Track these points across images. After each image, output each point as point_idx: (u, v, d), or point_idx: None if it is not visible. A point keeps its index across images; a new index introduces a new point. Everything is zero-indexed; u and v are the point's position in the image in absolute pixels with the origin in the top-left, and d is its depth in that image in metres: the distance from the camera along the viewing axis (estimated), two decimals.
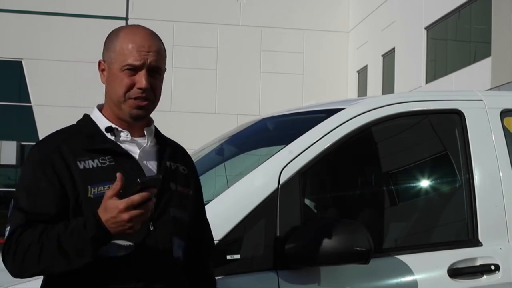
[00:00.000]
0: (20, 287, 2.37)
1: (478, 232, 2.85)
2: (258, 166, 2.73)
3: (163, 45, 2.03)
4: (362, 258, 2.46)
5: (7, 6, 23.04)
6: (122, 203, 1.71)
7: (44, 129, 22.86)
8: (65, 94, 23.03)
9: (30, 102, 23.29)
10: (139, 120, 1.99)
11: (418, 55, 19.40)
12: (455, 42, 18.36)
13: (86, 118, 2.06)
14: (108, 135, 1.98)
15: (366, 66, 23.63)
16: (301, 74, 24.81)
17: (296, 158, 2.69)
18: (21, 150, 23.57)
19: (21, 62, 23.31)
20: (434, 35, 19.04)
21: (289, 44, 24.54)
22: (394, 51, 21.19)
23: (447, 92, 5.10)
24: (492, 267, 2.80)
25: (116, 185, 1.73)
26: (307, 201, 2.96)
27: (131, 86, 1.94)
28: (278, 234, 2.56)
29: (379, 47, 22.42)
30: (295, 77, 24.63)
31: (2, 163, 22.97)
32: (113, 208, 1.72)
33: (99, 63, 2.02)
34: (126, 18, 23.98)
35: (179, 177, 2.05)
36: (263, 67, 24.48)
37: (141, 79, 1.93)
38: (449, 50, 18.65)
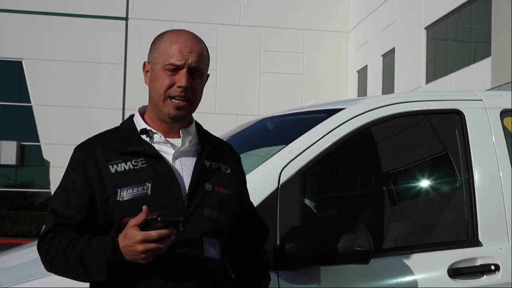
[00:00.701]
0: (20, 287, 2.37)
1: (478, 232, 2.85)
2: (258, 166, 2.73)
3: (207, 50, 2.07)
4: (362, 258, 2.46)
5: (7, 6, 23.04)
6: (140, 235, 1.78)
7: (44, 129, 22.90)
8: (65, 94, 23.03)
9: (30, 102, 23.29)
10: (178, 120, 2.02)
11: (418, 55, 19.41)
12: (455, 42, 18.37)
13: (129, 119, 2.11)
14: (144, 137, 2.02)
15: (366, 66, 23.63)
16: (301, 74, 24.81)
17: (296, 158, 2.69)
18: (21, 150, 23.57)
19: (21, 62, 23.32)
20: (434, 35, 19.04)
21: (289, 44, 24.54)
22: (394, 51, 21.19)
23: (447, 92, 5.10)
24: (492, 267, 2.80)
25: (140, 217, 1.80)
26: (307, 201, 2.96)
27: (171, 85, 1.98)
28: (278, 234, 2.56)
29: (379, 47, 22.42)
30: (295, 77, 24.64)
31: (2, 163, 22.97)
32: (131, 237, 1.80)
33: (144, 64, 2.07)
34: (126, 18, 23.99)
35: (219, 177, 2.05)
36: (263, 67, 24.49)
37: (181, 78, 1.97)
38: (449, 50, 18.65)
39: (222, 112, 23.65)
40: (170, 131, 2.04)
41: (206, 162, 2.04)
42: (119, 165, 1.96)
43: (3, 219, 21.86)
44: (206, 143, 2.08)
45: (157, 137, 2.02)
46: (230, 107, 23.71)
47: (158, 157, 1.98)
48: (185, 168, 2.01)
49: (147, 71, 2.06)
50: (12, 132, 23.22)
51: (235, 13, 24.44)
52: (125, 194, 1.92)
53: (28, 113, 23.23)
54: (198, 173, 2.00)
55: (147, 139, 2.02)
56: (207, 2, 24.11)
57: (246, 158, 3.39)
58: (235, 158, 2.18)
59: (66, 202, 1.96)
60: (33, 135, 23.20)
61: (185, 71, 1.98)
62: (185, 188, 1.97)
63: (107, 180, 1.94)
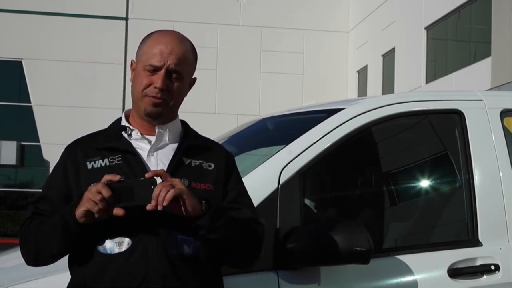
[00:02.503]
0: (20, 287, 2.37)
1: (478, 232, 2.85)
2: (258, 166, 2.73)
3: (194, 52, 2.10)
4: (362, 258, 2.46)
5: (7, 6, 23.04)
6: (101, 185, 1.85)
7: (44, 129, 22.90)
8: (65, 94, 23.04)
9: (30, 102, 23.29)
10: (154, 118, 2.04)
11: (418, 55, 19.41)
12: (455, 42, 18.37)
13: (117, 120, 2.16)
14: (124, 134, 2.07)
15: (366, 66, 23.64)
16: (301, 74, 24.81)
17: (296, 158, 2.69)
18: (21, 150, 23.57)
19: (21, 62, 23.32)
20: (434, 35, 19.04)
21: (289, 44, 24.54)
22: (394, 51, 21.20)
23: (447, 92, 5.10)
24: (492, 267, 2.80)
25: (115, 177, 1.87)
26: (307, 201, 2.96)
27: (149, 85, 2.02)
28: (278, 234, 2.56)
29: (379, 47, 22.42)
30: (295, 77, 24.64)
31: (2, 163, 22.97)
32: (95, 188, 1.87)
33: (131, 62, 2.13)
34: (126, 18, 23.99)
35: (198, 173, 2.04)
36: (263, 67, 24.48)
37: (158, 79, 2.01)
38: (449, 50, 18.66)
39: (222, 112, 23.65)
40: (150, 129, 2.07)
41: (185, 159, 2.04)
42: (97, 161, 2.01)
43: (3, 219, 21.86)
44: (186, 141, 2.08)
45: (134, 133, 2.06)
46: (230, 107, 23.71)
47: (132, 153, 2.02)
48: (160, 164, 2.01)
49: (133, 70, 2.10)
50: (12, 132, 23.22)
51: (235, 13, 24.44)
52: None
53: (28, 113, 23.23)
54: (172, 168, 2.00)
55: (126, 136, 2.06)
56: (207, 2, 24.10)
57: (246, 158, 3.40)
58: (224, 156, 2.13)
59: (45, 196, 2.04)
60: (33, 135, 23.20)
61: (163, 72, 2.01)
62: None
63: (83, 177, 1.99)
